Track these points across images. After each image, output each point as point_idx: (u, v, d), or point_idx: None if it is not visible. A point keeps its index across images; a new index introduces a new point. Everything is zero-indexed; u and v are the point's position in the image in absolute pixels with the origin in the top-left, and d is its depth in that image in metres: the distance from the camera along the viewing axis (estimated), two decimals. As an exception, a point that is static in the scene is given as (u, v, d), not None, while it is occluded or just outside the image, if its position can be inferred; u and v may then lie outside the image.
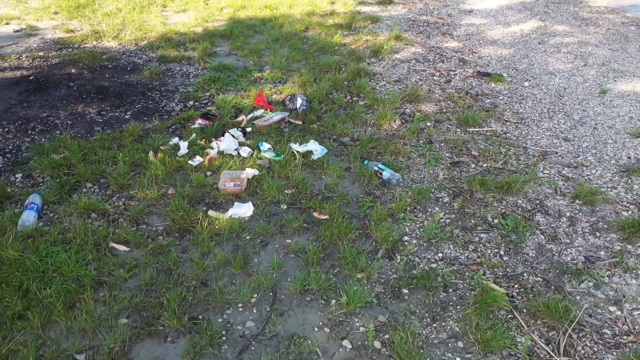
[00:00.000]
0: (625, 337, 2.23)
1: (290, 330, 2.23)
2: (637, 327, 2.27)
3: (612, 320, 2.32)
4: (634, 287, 2.51)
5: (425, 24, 6.65)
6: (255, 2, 7.05)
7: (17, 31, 5.70)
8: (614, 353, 2.15)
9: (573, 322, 2.27)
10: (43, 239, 2.62)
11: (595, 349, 2.17)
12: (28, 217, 2.74)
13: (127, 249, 2.65)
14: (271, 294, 2.42)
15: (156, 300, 2.33)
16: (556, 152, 3.73)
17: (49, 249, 2.55)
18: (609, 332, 2.26)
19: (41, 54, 5.08)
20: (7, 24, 5.94)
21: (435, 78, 4.96)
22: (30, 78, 4.47)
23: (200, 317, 2.27)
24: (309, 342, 2.17)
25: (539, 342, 2.20)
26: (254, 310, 2.32)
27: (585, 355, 2.15)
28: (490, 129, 4.04)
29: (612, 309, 2.39)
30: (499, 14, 7.17)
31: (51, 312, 2.22)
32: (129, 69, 4.87)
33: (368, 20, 6.50)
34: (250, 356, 2.10)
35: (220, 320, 2.27)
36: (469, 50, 5.79)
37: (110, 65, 4.92)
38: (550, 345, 2.18)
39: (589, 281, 2.54)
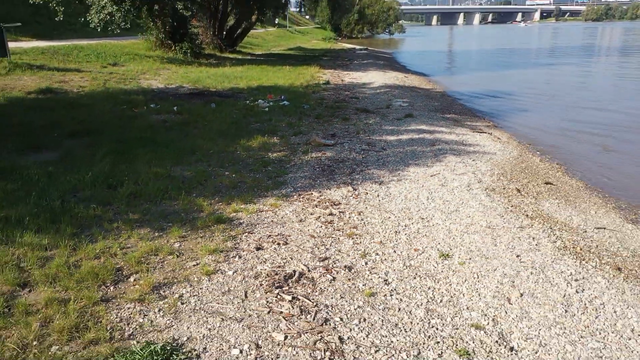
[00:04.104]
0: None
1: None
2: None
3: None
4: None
5: (339, 88, 15.72)
6: (268, 81, 16.23)
7: (167, 86, 14.63)
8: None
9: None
10: (219, 108, 11.07)
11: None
12: (212, 105, 11.25)
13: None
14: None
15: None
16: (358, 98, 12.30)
17: (220, 109, 10.98)
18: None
19: (189, 91, 13.94)
20: (169, 85, 14.93)
21: (333, 97, 13.76)
22: (192, 93, 13.25)
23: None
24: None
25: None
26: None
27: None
28: (344, 102, 12.64)
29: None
30: (376, 88, 16.29)
31: (225, 115, 10.62)
32: (223, 93, 13.67)
33: (315, 86, 15.56)
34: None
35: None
36: (353, 93, 14.69)
37: (216, 93, 13.73)
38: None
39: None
